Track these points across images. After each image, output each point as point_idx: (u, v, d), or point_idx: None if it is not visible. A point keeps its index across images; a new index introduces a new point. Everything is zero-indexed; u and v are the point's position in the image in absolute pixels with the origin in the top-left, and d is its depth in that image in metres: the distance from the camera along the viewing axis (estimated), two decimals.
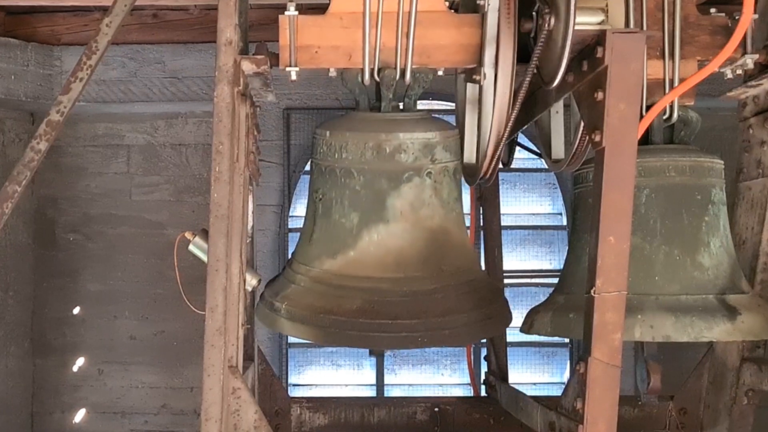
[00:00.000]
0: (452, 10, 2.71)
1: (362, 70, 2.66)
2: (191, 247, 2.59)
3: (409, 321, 2.63)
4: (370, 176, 2.73)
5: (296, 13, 2.59)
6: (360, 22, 2.61)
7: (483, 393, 3.81)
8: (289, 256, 3.08)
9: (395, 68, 2.66)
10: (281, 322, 2.80)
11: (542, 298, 3.15)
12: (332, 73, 2.72)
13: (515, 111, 2.56)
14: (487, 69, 2.60)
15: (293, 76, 2.66)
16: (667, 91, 2.79)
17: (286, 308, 2.78)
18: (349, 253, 2.74)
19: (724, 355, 3.19)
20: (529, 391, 3.28)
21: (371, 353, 3.21)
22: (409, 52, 2.63)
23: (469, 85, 2.93)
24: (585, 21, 2.25)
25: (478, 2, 2.59)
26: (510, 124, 2.60)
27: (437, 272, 2.74)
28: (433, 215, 2.76)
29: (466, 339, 2.82)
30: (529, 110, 2.74)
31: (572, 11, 2.17)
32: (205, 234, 2.48)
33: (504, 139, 2.67)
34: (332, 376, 5.97)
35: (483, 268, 3.45)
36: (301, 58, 2.63)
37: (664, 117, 2.89)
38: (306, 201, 3.02)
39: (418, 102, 2.86)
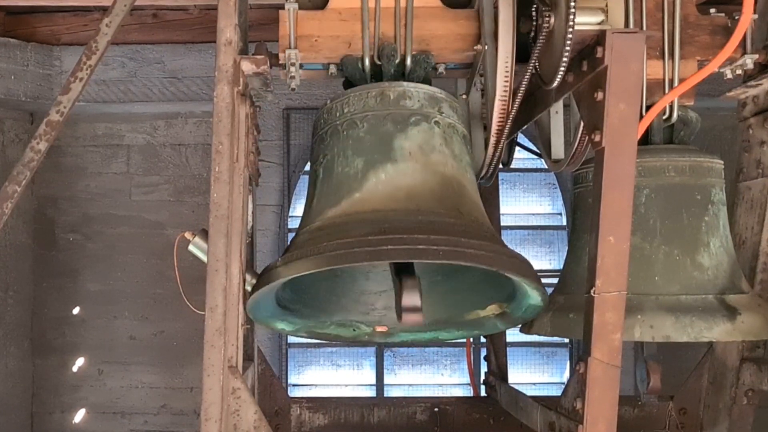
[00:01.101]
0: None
1: (362, 56, 2.67)
2: (191, 247, 2.59)
3: (427, 236, 2.27)
4: (374, 121, 2.55)
5: (296, 5, 2.63)
6: (358, 16, 2.64)
7: (483, 393, 3.81)
8: None
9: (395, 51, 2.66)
10: (276, 273, 2.43)
11: None
12: (332, 70, 2.73)
13: (515, 111, 2.56)
14: (488, 39, 2.60)
15: (293, 85, 2.68)
16: (666, 91, 2.79)
17: (281, 261, 2.48)
18: (355, 195, 2.47)
19: (723, 355, 3.19)
20: (529, 391, 3.28)
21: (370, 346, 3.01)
22: (408, 40, 2.65)
23: (471, 100, 2.94)
24: (585, 21, 2.25)
25: None
26: (509, 124, 2.61)
27: (455, 212, 2.44)
28: (445, 162, 2.53)
29: (492, 262, 2.27)
30: (529, 110, 2.74)
31: (572, 11, 2.17)
32: (204, 234, 2.48)
33: (504, 138, 2.67)
34: (332, 376, 5.97)
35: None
36: (301, 46, 2.66)
37: (664, 117, 2.89)
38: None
39: None
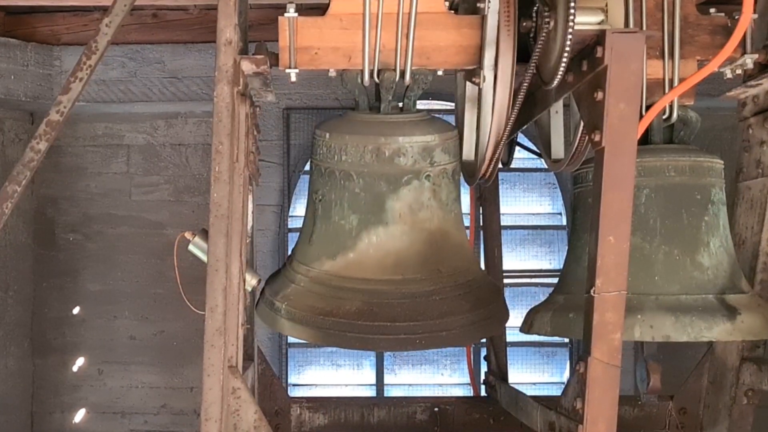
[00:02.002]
0: (452, 11, 2.71)
1: (362, 71, 2.66)
2: (191, 247, 2.59)
3: (408, 323, 2.66)
4: (369, 179, 2.75)
5: (296, 14, 2.60)
6: (360, 23, 2.61)
7: (483, 393, 3.81)
8: (289, 254, 3.08)
9: (395, 69, 2.66)
10: (281, 323, 2.82)
11: (542, 298, 3.16)
12: (332, 73, 2.72)
13: (515, 111, 2.56)
14: (487, 71, 2.60)
15: (293, 78, 2.67)
16: (666, 90, 2.79)
17: (286, 308, 2.79)
18: (349, 255, 2.76)
19: (723, 355, 3.19)
20: (529, 391, 3.28)
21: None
22: (409, 53, 2.63)
23: (468, 83, 2.93)
24: (585, 21, 2.25)
25: (478, 5, 2.59)
26: (510, 124, 2.60)
27: (435, 274, 2.77)
28: (431, 217, 2.78)
29: (463, 340, 2.88)
30: (528, 110, 2.74)
31: (572, 11, 2.17)
32: (204, 234, 2.48)
33: (504, 139, 2.67)
34: (332, 376, 5.97)
35: (482, 267, 3.45)
36: (301, 59, 2.64)
37: (664, 117, 2.89)
38: (306, 201, 3.02)
39: (418, 101, 2.86)
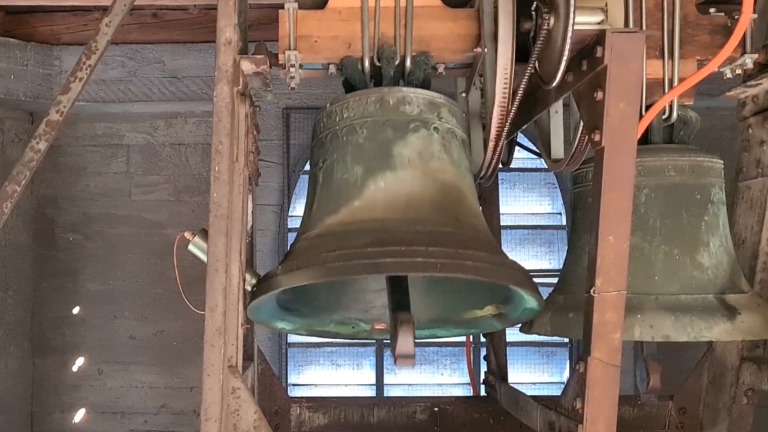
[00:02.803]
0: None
1: (362, 58, 2.67)
2: (191, 247, 2.59)
3: (425, 248, 2.27)
4: (374, 127, 2.55)
5: (296, 4, 2.62)
6: (358, 16, 2.64)
7: (483, 393, 3.81)
8: None
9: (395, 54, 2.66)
10: (277, 281, 2.45)
11: None
12: (332, 70, 2.73)
13: (514, 111, 2.56)
14: (488, 41, 2.60)
15: (293, 84, 2.68)
16: (666, 90, 2.79)
17: (282, 269, 2.49)
18: (354, 203, 2.47)
19: (723, 355, 3.19)
20: (529, 391, 3.28)
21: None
22: (408, 41, 2.64)
23: (470, 99, 2.94)
24: (584, 20, 2.25)
25: None
26: (509, 123, 2.61)
27: (453, 220, 2.46)
28: (444, 169, 2.54)
29: (491, 275, 2.34)
30: (528, 110, 2.74)
31: (572, 11, 2.17)
32: (204, 234, 2.48)
33: (503, 138, 2.67)
34: (332, 375, 5.97)
35: None
36: (301, 46, 2.66)
37: (664, 117, 2.89)
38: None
39: None
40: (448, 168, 2.55)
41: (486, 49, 2.61)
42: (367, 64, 2.67)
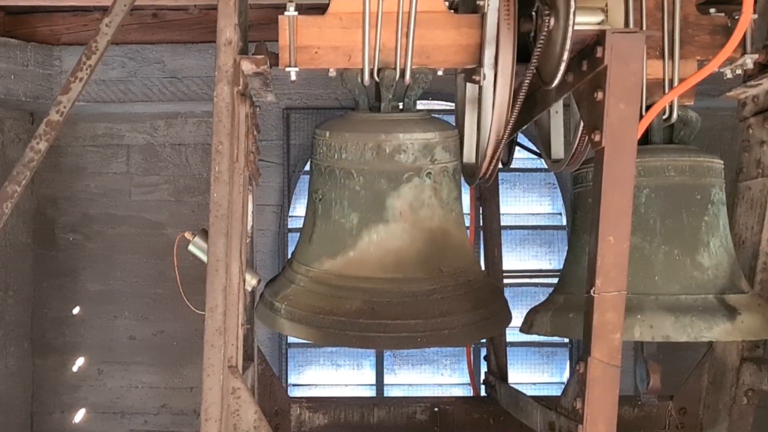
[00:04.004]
0: (452, 11, 2.71)
1: (362, 71, 2.66)
2: (191, 247, 2.59)
3: (409, 321, 2.63)
4: (369, 177, 2.73)
5: (296, 13, 2.59)
6: (359, 22, 2.62)
7: (483, 393, 3.81)
8: (289, 255, 3.08)
9: (395, 68, 2.66)
10: (281, 322, 2.80)
11: (542, 298, 3.16)
12: (332, 73, 2.72)
13: (515, 111, 2.56)
14: (487, 70, 2.60)
15: (293, 77, 2.67)
16: (666, 90, 2.79)
17: (286, 308, 2.78)
18: (349, 254, 2.75)
19: (723, 355, 3.19)
20: (529, 391, 3.28)
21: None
22: (409, 53, 2.63)
23: (468, 84, 2.93)
24: (585, 21, 2.25)
25: (477, 2, 2.59)
26: (510, 124, 2.60)
27: (437, 273, 2.75)
28: (432, 216, 2.77)
29: (464, 339, 2.84)
30: (528, 110, 2.74)
31: (572, 11, 2.17)
32: (204, 234, 2.48)
33: (504, 139, 2.67)
34: (332, 376, 5.96)
35: (483, 268, 3.45)
36: (301, 58, 2.64)
37: (664, 117, 2.89)
38: (306, 201, 3.02)
39: (418, 102, 2.86)
40: (436, 213, 2.78)
41: (485, 79, 2.61)
42: (367, 77, 2.68)
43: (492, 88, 2.59)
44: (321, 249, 2.82)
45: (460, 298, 2.75)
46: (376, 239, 2.73)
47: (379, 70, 2.68)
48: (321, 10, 2.67)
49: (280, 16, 2.60)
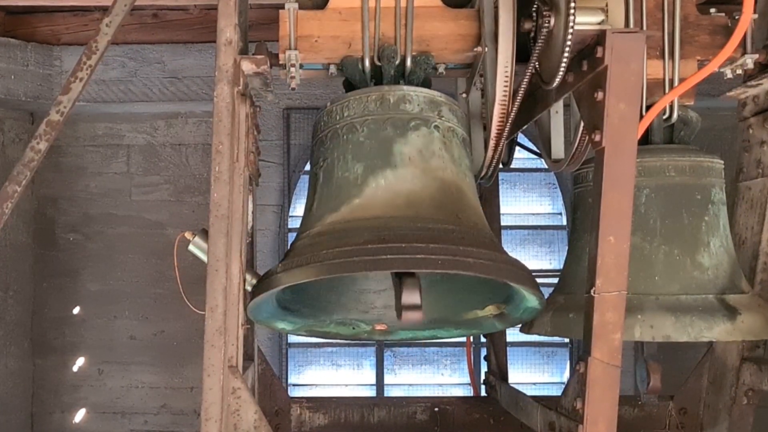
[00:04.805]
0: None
1: (362, 57, 2.67)
2: (191, 247, 2.59)
3: (426, 245, 2.28)
4: (374, 125, 2.56)
5: (296, 5, 2.63)
6: (358, 16, 2.64)
7: (483, 393, 3.81)
8: None
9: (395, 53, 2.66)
10: (276, 279, 2.46)
11: None
12: (332, 71, 2.73)
13: (515, 111, 2.56)
14: (488, 41, 2.60)
15: (294, 84, 2.68)
16: (667, 90, 2.79)
17: (281, 267, 2.50)
18: (354, 201, 2.48)
19: (723, 355, 3.19)
20: (529, 391, 3.28)
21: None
22: (408, 41, 2.64)
23: (470, 99, 2.94)
24: (585, 21, 2.25)
25: None
26: (510, 124, 2.60)
27: (454, 218, 2.46)
28: (444, 167, 2.55)
29: (491, 271, 2.33)
30: (528, 110, 2.74)
31: (572, 11, 2.17)
32: (205, 234, 2.48)
33: (504, 139, 2.67)
34: (332, 376, 5.97)
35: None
36: (302, 46, 2.66)
37: (664, 117, 2.89)
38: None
39: None
40: (448, 166, 2.55)
41: (486, 49, 2.61)
42: (367, 63, 2.67)
43: (494, 82, 2.58)
44: (323, 209, 2.56)
45: (483, 242, 2.42)
46: (384, 184, 2.46)
47: (379, 47, 2.67)
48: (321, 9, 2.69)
49: (281, 11, 2.64)
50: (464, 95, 2.96)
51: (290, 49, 2.63)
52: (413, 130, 2.54)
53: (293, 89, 2.75)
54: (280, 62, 2.67)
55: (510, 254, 2.61)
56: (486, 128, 2.80)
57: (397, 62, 2.67)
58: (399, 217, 2.41)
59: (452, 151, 2.59)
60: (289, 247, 2.85)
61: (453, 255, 2.28)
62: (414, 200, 2.44)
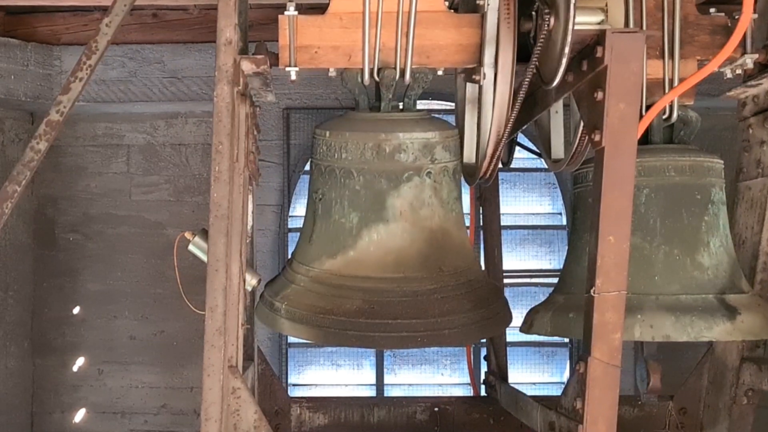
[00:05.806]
0: (452, 10, 2.71)
1: (362, 70, 2.66)
2: (191, 247, 2.59)
3: (409, 321, 2.64)
4: (369, 176, 2.73)
5: (296, 13, 2.59)
6: (359, 22, 2.61)
7: (483, 393, 3.81)
8: (289, 256, 3.08)
9: (395, 68, 2.66)
10: (281, 322, 2.81)
11: (542, 298, 3.15)
12: (332, 72, 2.72)
13: (515, 111, 2.56)
14: (487, 69, 2.60)
15: (293, 77, 2.66)
16: (666, 90, 2.79)
17: (286, 308, 2.78)
18: (349, 253, 2.75)
19: (723, 355, 3.19)
20: (529, 391, 3.28)
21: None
22: (409, 52, 2.63)
23: (468, 84, 2.93)
24: (585, 21, 2.25)
25: (477, 2, 2.59)
26: (510, 124, 2.60)
27: (437, 272, 2.75)
28: (432, 215, 2.77)
29: (464, 339, 2.84)
30: (528, 110, 2.74)
31: (572, 11, 2.17)
32: (204, 234, 2.48)
33: (504, 139, 2.67)
34: (332, 376, 5.97)
35: (483, 268, 3.45)
36: (301, 58, 2.64)
37: (664, 117, 2.89)
38: (306, 201, 3.02)
39: (418, 102, 2.86)
40: (436, 212, 2.78)
41: (485, 78, 2.61)
42: (366, 77, 2.68)
43: (492, 88, 2.59)
44: (321, 249, 2.82)
45: (460, 298, 2.76)
46: (377, 239, 2.74)
47: (379, 69, 2.68)
48: (321, 10, 2.67)
49: (280, 16, 2.60)
50: (462, 76, 2.97)
51: (290, 66, 2.62)
52: (406, 182, 2.73)
53: (292, 82, 2.74)
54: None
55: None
56: (481, 116, 2.82)
57: (395, 86, 2.73)
58: (388, 278, 2.71)
59: (441, 194, 2.79)
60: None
61: (432, 330, 2.65)
62: (402, 260, 2.73)
